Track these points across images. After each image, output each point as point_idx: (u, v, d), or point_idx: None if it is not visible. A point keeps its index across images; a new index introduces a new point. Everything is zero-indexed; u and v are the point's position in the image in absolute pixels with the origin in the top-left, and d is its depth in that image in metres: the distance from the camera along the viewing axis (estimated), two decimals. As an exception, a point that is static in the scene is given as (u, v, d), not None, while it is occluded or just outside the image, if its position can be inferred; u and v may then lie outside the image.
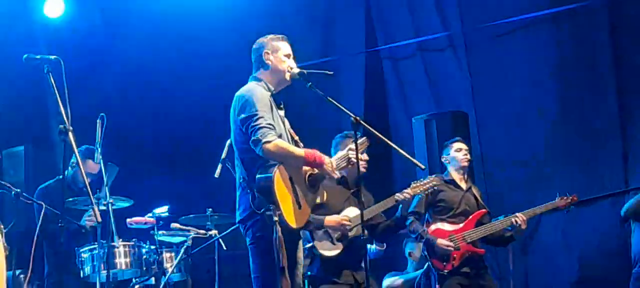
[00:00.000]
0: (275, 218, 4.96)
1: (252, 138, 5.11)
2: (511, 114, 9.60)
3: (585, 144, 9.18)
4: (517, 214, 7.16)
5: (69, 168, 7.60)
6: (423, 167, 6.37)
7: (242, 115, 5.19)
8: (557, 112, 9.39)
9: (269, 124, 5.13)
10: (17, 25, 8.63)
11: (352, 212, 6.52)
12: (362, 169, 6.13)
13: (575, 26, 9.36)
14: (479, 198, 7.38)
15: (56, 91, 4.90)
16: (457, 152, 7.36)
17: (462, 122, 8.87)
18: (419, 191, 6.77)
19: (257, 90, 5.29)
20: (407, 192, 6.68)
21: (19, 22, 8.73)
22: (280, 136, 5.20)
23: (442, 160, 7.48)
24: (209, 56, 9.94)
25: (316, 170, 5.31)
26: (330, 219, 6.40)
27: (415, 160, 6.23)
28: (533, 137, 9.42)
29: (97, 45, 9.50)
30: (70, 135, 4.87)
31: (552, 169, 9.28)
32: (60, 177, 7.47)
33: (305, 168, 5.30)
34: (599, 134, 9.13)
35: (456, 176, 7.34)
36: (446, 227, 7.15)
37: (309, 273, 6.49)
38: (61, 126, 4.87)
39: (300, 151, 5.25)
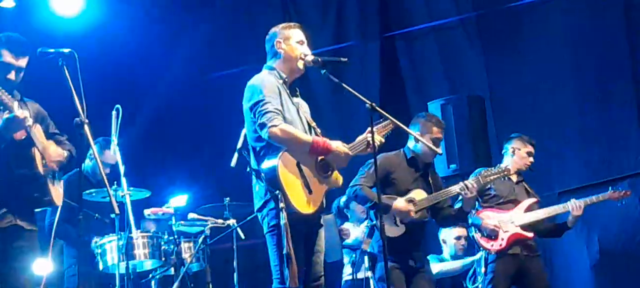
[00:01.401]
0: (281, 205, 4.98)
1: (258, 122, 5.15)
2: (526, 94, 9.55)
3: (602, 124, 9.14)
4: (572, 200, 7.15)
5: (87, 160, 7.62)
6: (440, 152, 6.39)
7: (250, 102, 5.24)
8: (573, 91, 9.35)
9: (276, 109, 5.16)
10: (28, 19, 8.61)
11: (418, 194, 6.51)
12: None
13: (589, 5, 9.31)
14: (530, 190, 7.35)
15: (71, 84, 4.91)
16: (527, 156, 7.32)
17: (478, 106, 8.84)
18: (490, 180, 6.71)
19: (265, 78, 5.33)
20: (471, 183, 6.55)
21: (29, 16, 8.71)
22: (290, 123, 5.21)
23: (506, 150, 7.43)
24: (224, 45, 9.95)
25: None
26: (397, 204, 6.37)
27: (431, 146, 6.25)
28: (548, 118, 9.37)
29: (110, 36, 9.49)
30: (86, 127, 4.88)
31: (569, 149, 9.25)
32: (78, 169, 7.57)
33: None
34: (615, 114, 9.10)
35: (511, 170, 7.30)
36: (495, 212, 7.15)
37: (369, 249, 6.49)
38: (77, 119, 4.87)
39: (307, 137, 5.25)
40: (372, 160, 5.44)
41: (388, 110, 5.50)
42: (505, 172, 6.78)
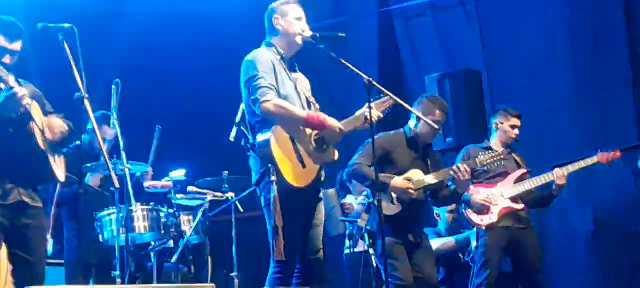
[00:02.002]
0: (273, 178, 5.05)
1: (252, 97, 5.23)
2: (523, 70, 9.58)
3: (597, 99, 9.16)
4: (556, 169, 7.18)
5: (86, 134, 7.67)
6: (437, 127, 6.44)
7: (245, 78, 5.32)
8: (569, 67, 9.37)
9: (270, 84, 5.22)
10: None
11: (416, 174, 6.54)
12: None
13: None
14: (520, 162, 7.39)
15: (71, 59, 4.95)
16: (512, 129, 7.35)
17: (475, 80, 8.90)
18: (487, 162, 6.74)
19: (260, 54, 5.39)
20: (464, 167, 6.56)
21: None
22: (285, 98, 5.27)
23: (493, 124, 7.48)
24: (223, 20, 9.95)
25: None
26: (396, 183, 6.41)
27: (429, 121, 6.29)
28: (545, 93, 9.41)
29: (109, 10, 9.51)
30: (87, 102, 4.93)
31: (565, 124, 9.29)
32: (78, 143, 7.63)
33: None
34: (611, 88, 9.11)
35: (498, 145, 7.34)
36: (484, 188, 7.20)
37: (368, 227, 6.55)
38: (77, 94, 4.92)
39: (302, 111, 5.30)
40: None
41: (386, 86, 5.55)
42: (501, 157, 6.71)
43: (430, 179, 6.54)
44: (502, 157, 6.74)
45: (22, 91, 4.86)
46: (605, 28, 9.13)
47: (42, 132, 5.06)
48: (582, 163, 7.28)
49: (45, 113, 5.25)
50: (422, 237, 6.69)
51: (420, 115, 6.26)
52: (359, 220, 6.62)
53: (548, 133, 9.28)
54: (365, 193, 6.95)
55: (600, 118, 9.09)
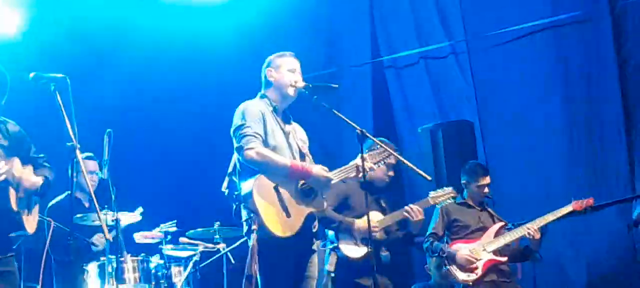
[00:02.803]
0: (254, 227, 5.02)
1: (236, 145, 5.29)
2: (516, 122, 9.58)
3: (590, 151, 9.16)
4: (527, 224, 7.15)
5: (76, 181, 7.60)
6: (429, 178, 6.39)
7: (233, 127, 5.38)
8: (562, 119, 9.37)
9: (255, 133, 5.26)
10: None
11: (375, 216, 6.59)
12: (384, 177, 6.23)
13: (579, 34, 9.35)
14: (494, 215, 7.38)
15: (63, 109, 4.94)
16: (479, 190, 7.34)
17: (467, 131, 8.89)
18: (439, 201, 6.78)
19: (250, 104, 5.45)
20: (416, 207, 6.69)
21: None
22: (274, 148, 5.26)
23: (463, 183, 7.48)
24: (215, 69, 9.96)
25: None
26: (359, 223, 6.52)
27: (421, 172, 6.26)
28: (538, 145, 9.40)
29: (100, 60, 9.51)
30: (78, 152, 4.93)
31: (558, 177, 9.27)
32: (69, 192, 7.56)
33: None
34: (604, 141, 9.10)
35: (471, 202, 7.36)
36: (465, 243, 7.16)
37: (333, 273, 6.53)
38: (69, 143, 4.91)
39: (285, 160, 5.29)
40: None
41: (379, 137, 5.54)
42: (451, 194, 6.85)
43: (388, 220, 6.67)
44: (451, 194, 6.90)
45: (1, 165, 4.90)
46: (598, 78, 9.15)
47: (18, 188, 5.08)
48: (557, 214, 7.25)
49: (28, 159, 5.26)
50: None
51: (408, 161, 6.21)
52: (327, 265, 6.62)
53: (541, 183, 9.26)
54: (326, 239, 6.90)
55: (593, 169, 9.07)
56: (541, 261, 7.59)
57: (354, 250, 6.46)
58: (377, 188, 6.90)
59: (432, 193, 6.80)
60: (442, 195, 6.83)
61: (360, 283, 6.52)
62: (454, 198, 6.97)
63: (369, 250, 6.32)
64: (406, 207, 6.67)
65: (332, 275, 6.58)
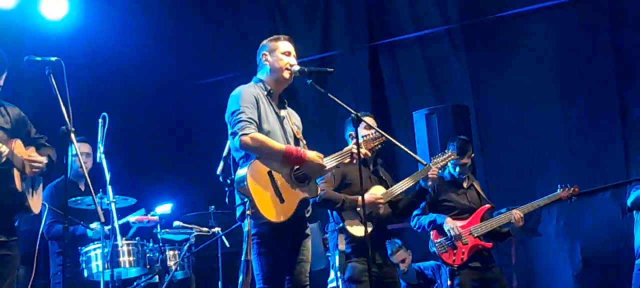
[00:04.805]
0: (248, 212, 5.03)
1: (231, 131, 5.26)
2: (511, 105, 9.59)
3: (586, 135, 9.18)
4: (513, 210, 7.18)
5: (72, 163, 7.59)
6: (425, 163, 6.44)
7: (228, 112, 5.34)
8: (557, 103, 9.39)
9: (250, 118, 5.23)
10: (16, 27, 8.57)
11: (377, 190, 6.55)
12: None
13: (576, 17, 9.36)
14: (481, 193, 7.39)
15: (58, 92, 4.92)
16: (466, 161, 7.35)
17: (463, 115, 8.88)
18: (440, 165, 6.75)
19: (244, 89, 5.41)
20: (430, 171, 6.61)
21: (17, 24, 8.67)
22: (268, 133, 5.25)
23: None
24: (211, 53, 9.96)
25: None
26: (365, 198, 6.38)
27: (417, 157, 6.29)
28: (533, 128, 9.43)
29: (98, 45, 9.48)
30: (72, 136, 4.91)
31: (553, 160, 9.29)
32: (63, 176, 7.56)
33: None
34: (599, 124, 9.14)
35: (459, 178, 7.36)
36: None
37: (345, 251, 6.52)
38: (63, 127, 4.90)
39: (280, 145, 5.27)
40: None
41: (375, 121, 5.52)
42: (452, 156, 6.87)
43: (399, 187, 6.56)
44: (452, 157, 6.88)
45: (2, 149, 4.87)
46: (594, 65, 9.16)
47: (22, 170, 5.05)
48: (544, 201, 7.34)
49: (29, 140, 5.24)
50: (387, 260, 6.70)
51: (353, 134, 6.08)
52: (338, 245, 6.58)
53: (537, 168, 9.27)
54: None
55: (589, 154, 9.09)
56: (541, 237, 7.61)
57: (360, 229, 6.39)
58: (372, 162, 6.71)
59: (433, 159, 6.75)
60: (443, 159, 6.76)
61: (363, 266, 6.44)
62: (454, 160, 6.96)
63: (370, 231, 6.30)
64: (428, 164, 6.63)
65: (346, 252, 6.53)
